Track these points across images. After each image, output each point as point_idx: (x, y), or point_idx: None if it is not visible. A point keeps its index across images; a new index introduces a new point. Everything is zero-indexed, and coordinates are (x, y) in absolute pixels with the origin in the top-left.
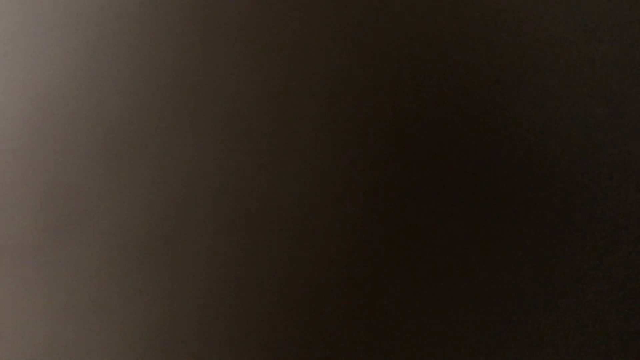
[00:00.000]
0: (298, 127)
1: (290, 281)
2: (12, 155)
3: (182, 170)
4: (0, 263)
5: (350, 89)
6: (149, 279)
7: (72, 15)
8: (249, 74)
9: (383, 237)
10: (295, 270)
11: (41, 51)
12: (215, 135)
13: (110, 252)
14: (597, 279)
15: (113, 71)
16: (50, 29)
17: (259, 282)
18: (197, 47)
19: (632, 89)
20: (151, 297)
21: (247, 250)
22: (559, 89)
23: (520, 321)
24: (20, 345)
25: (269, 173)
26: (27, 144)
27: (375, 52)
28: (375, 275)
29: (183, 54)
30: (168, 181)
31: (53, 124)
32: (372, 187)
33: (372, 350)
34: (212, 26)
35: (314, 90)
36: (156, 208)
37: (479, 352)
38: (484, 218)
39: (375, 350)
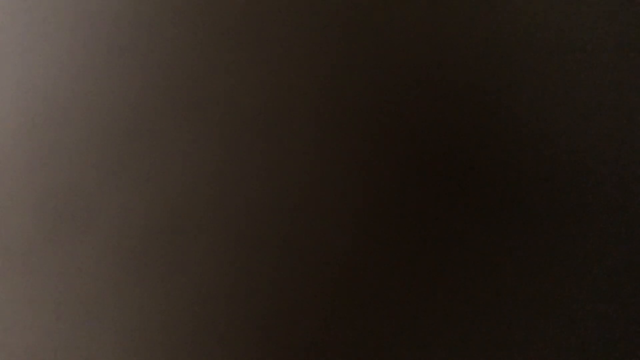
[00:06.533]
0: (297, 128)
1: (288, 281)
2: (12, 155)
3: (181, 171)
4: (0, 263)
5: (349, 90)
6: (148, 278)
7: (72, 15)
8: (248, 74)
9: (382, 237)
10: (294, 270)
11: (41, 51)
12: (215, 136)
13: (109, 252)
14: (597, 279)
15: (112, 72)
16: (51, 29)
17: (257, 282)
18: (196, 47)
19: (632, 89)
20: (150, 296)
21: (246, 251)
22: (560, 89)
23: (519, 321)
24: (19, 344)
25: (268, 173)
26: (26, 143)
27: (375, 52)
28: (374, 275)
29: (182, 54)
30: (167, 181)
31: (53, 124)
32: (372, 188)
33: (372, 350)
34: (210, 26)
35: (313, 90)
36: (155, 208)
37: (479, 352)
38: (483, 218)
39: (375, 350)
